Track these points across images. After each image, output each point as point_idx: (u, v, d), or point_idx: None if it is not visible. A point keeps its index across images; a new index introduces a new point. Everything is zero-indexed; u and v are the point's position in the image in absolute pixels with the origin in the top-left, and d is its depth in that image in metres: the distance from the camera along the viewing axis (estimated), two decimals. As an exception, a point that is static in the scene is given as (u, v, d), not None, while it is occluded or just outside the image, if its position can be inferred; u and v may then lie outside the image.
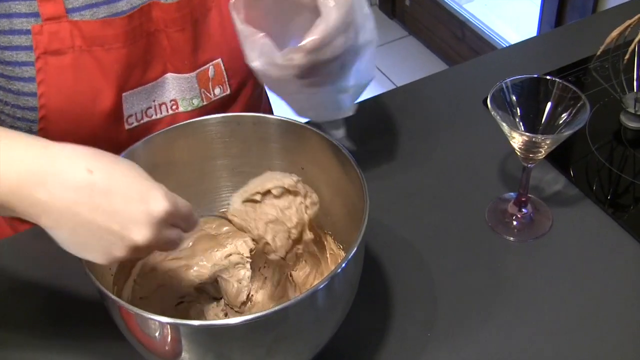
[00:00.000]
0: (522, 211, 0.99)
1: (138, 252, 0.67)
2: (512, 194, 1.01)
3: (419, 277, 0.93)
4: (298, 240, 0.80)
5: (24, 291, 0.95)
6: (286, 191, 0.81)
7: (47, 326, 0.90)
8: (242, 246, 0.91)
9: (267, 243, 0.79)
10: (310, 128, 0.85)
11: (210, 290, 0.88)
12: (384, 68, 2.83)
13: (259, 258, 0.89)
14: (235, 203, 0.82)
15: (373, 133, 1.07)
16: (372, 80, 0.90)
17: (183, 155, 0.87)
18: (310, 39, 0.77)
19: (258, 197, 0.81)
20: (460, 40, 2.82)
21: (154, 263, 0.88)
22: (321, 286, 0.68)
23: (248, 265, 0.89)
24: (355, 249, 0.70)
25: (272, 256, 0.80)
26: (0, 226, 1.12)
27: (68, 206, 0.64)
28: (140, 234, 0.65)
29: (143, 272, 0.87)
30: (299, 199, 0.81)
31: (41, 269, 0.96)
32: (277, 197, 0.80)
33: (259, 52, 0.81)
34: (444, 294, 0.91)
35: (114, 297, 0.68)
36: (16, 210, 0.65)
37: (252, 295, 0.87)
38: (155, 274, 0.87)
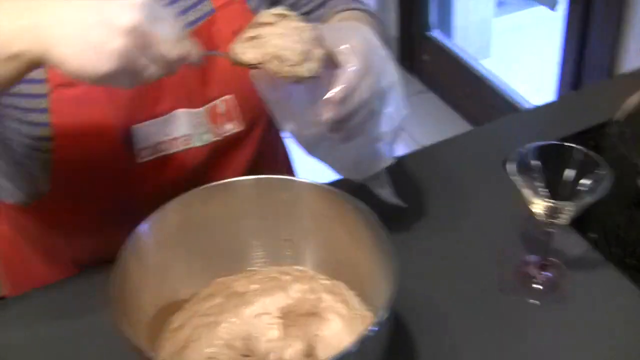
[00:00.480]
0: (545, 274, 1.00)
1: (132, 40, 0.70)
2: (534, 256, 1.03)
3: (445, 337, 0.94)
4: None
5: (55, 341, 0.96)
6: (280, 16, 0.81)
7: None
8: (270, 304, 0.93)
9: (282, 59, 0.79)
10: (337, 191, 0.87)
11: (239, 347, 0.89)
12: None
13: (287, 317, 0.90)
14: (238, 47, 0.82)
15: (394, 186, 1.09)
16: (404, 118, 0.91)
17: (215, 214, 0.90)
18: (335, 89, 0.79)
19: (254, 32, 0.81)
20: (477, 96, 2.86)
21: (183, 320, 0.90)
22: (353, 350, 0.70)
23: (278, 326, 0.90)
24: (384, 312, 0.72)
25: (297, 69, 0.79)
26: (38, 271, 1.14)
27: (52, 17, 0.70)
28: (126, 16, 0.69)
29: (172, 329, 0.88)
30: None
31: (74, 320, 0.98)
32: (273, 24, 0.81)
33: (290, 115, 0.84)
34: (469, 354, 0.92)
35: (148, 352, 0.69)
36: (27, 50, 0.70)
37: (280, 353, 0.89)
38: (184, 331, 0.89)
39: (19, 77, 0.75)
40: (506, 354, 0.93)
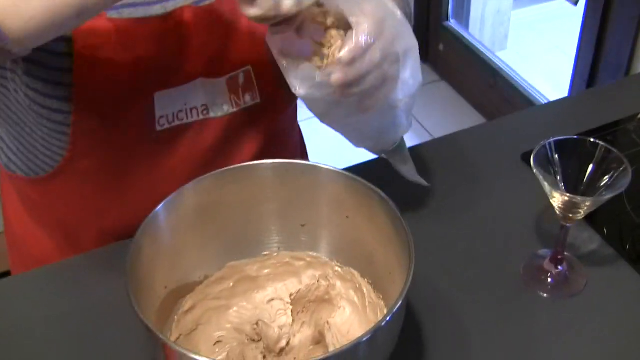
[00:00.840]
0: (558, 269, 1.00)
1: None
2: (547, 250, 1.02)
3: (455, 328, 0.94)
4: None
5: (67, 318, 0.96)
6: None
7: (86, 356, 0.92)
8: (282, 289, 0.93)
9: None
10: (357, 178, 0.87)
11: (248, 332, 0.89)
12: (414, 111, 2.86)
13: (298, 302, 0.90)
14: None
15: (411, 185, 1.09)
16: (420, 84, 0.90)
17: (231, 197, 0.89)
18: (344, 50, 0.79)
19: None
20: (491, 88, 2.84)
21: (194, 302, 0.90)
22: (365, 338, 0.69)
23: (289, 312, 0.90)
24: (400, 302, 0.72)
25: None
26: (47, 251, 1.14)
27: None
28: None
29: (183, 311, 0.88)
30: None
31: (87, 297, 0.99)
32: None
33: (301, 78, 0.83)
34: (478, 346, 0.92)
35: (158, 333, 0.69)
36: None
37: (290, 339, 0.88)
38: (195, 313, 0.89)
39: None
40: (516, 347, 0.92)
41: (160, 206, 0.83)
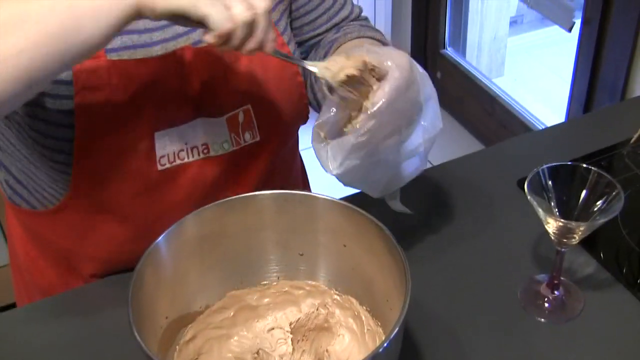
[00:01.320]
0: (554, 293, 1.01)
1: None
2: (544, 275, 1.03)
3: (454, 353, 0.95)
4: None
5: (71, 348, 0.98)
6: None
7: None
8: (282, 318, 0.94)
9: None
10: (354, 208, 0.88)
11: None
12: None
13: (298, 331, 0.91)
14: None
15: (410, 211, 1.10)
16: (439, 131, 0.95)
17: (231, 228, 0.91)
18: (381, 101, 0.83)
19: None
20: (489, 114, 2.86)
21: (195, 331, 0.91)
22: (364, 364, 0.71)
23: (289, 341, 0.91)
24: (397, 329, 0.73)
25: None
26: (47, 277, 1.16)
27: None
28: None
29: (185, 340, 0.89)
30: None
31: (90, 327, 1.00)
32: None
33: (332, 156, 0.87)
34: (476, 372, 0.93)
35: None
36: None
37: None
38: (196, 342, 0.90)
39: (119, 26, 0.80)
40: (516, 372, 0.93)
41: (161, 237, 0.85)
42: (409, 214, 1.06)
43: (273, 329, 0.92)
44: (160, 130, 0.99)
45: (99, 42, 0.80)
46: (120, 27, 0.80)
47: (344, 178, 0.89)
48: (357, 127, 0.85)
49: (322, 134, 0.90)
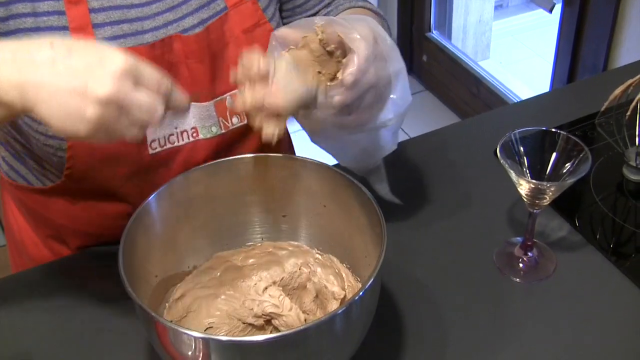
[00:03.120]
0: (528, 255, 1.05)
1: (109, 109, 0.72)
2: (518, 238, 1.08)
3: (430, 313, 0.99)
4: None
5: (63, 311, 1.02)
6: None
7: (83, 345, 0.97)
8: (266, 277, 0.98)
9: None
10: (333, 168, 0.92)
11: (240, 313, 0.94)
12: (400, 121, 2.91)
13: (282, 290, 0.95)
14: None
15: (390, 179, 1.14)
16: (409, 105, 0.94)
17: (217, 190, 0.95)
18: (348, 72, 0.83)
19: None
20: (474, 96, 2.90)
21: (184, 290, 0.95)
22: (340, 311, 0.75)
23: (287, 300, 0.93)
24: (372, 279, 0.77)
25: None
26: (40, 251, 1.19)
27: (36, 79, 0.72)
28: (101, 87, 0.71)
29: (174, 298, 0.93)
30: None
31: (80, 291, 1.04)
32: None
33: None
34: (452, 329, 0.97)
35: (151, 312, 0.74)
36: (17, 102, 0.72)
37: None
38: (185, 300, 0.94)
39: (11, 118, 0.78)
40: (489, 327, 0.97)
41: (151, 197, 0.89)
42: (398, 204, 1.09)
43: (267, 288, 0.94)
44: None
45: None
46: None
47: (302, 122, 0.90)
48: (326, 93, 0.86)
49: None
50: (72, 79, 0.71)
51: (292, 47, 0.89)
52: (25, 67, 0.72)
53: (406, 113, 0.95)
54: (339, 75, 0.85)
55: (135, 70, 0.74)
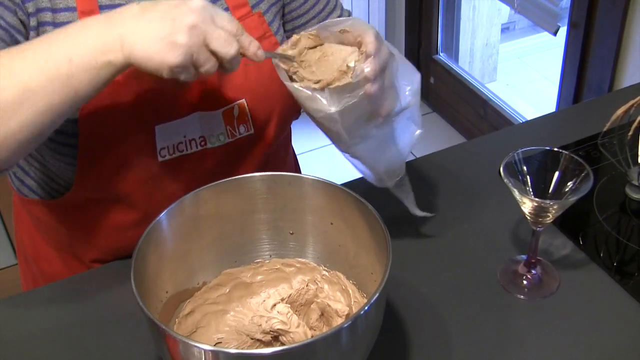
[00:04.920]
0: (532, 272, 1.07)
1: (196, 34, 0.84)
2: (523, 256, 1.09)
3: (435, 329, 1.01)
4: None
5: (74, 329, 1.03)
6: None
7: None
8: (274, 294, 1.00)
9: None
10: (339, 187, 0.94)
11: (248, 329, 0.95)
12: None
13: (290, 306, 0.97)
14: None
15: (394, 197, 1.16)
16: (419, 79, 1.01)
17: (227, 208, 0.97)
18: (368, 41, 0.91)
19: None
20: (481, 118, 2.92)
21: (193, 306, 0.97)
22: (345, 325, 0.77)
23: (294, 317, 0.95)
24: (377, 294, 0.79)
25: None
26: (53, 267, 1.22)
27: (131, 27, 0.84)
28: (187, 17, 0.84)
29: (184, 314, 0.95)
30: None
31: (90, 308, 1.06)
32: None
33: (329, 97, 0.92)
34: (457, 345, 0.98)
35: (162, 325, 0.76)
36: (108, 54, 0.84)
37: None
38: (195, 316, 0.96)
39: (111, 80, 0.88)
40: (493, 343, 0.99)
41: (162, 214, 0.91)
42: (431, 216, 1.13)
43: (275, 305, 0.96)
44: (160, 123, 1.04)
45: (93, 96, 0.89)
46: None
47: (343, 117, 0.93)
48: (355, 70, 0.90)
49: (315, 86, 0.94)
50: (162, 16, 0.84)
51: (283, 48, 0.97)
52: (119, 22, 0.85)
53: (420, 89, 1.02)
54: (360, 52, 0.92)
55: (211, 8, 0.86)
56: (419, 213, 1.11)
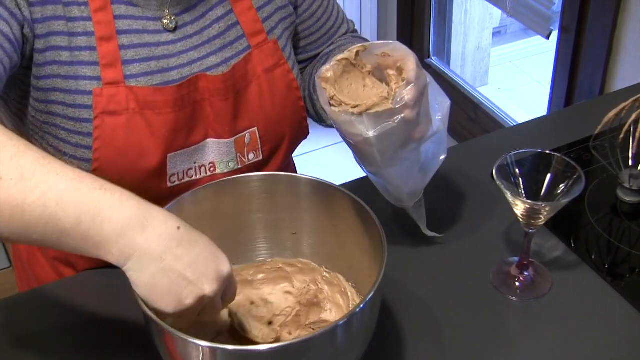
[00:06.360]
0: (524, 274, 1.08)
1: (201, 303, 0.78)
2: (515, 258, 1.10)
3: (429, 329, 1.02)
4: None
5: (68, 329, 1.04)
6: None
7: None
8: (276, 290, 1.01)
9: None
10: (337, 188, 0.96)
11: (241, 330, 0.96)
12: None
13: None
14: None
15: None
16: (450, 106, 1.04)
17: (225, 208, 0.98)
18: (409, 69, 0.92)
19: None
20: (473, 122, 2.93)
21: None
22: (341, 322, 0.78)
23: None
24: (372, 293, 0.80)
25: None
26: (47, 273, 1.22)
27: (158, 253, 0.76)
28: (210, 286, 0.78)
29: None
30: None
31: (87, 309, 1.06)
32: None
33: (366, 123, 0.93)
34: (450, 345, 1.00)
35: (159, 322, 0.76)
36: (111, 250, 0.75)
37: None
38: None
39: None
40: (486, 343, 1.00)
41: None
42: (440, 236, 1.15)
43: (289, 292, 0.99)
44: (172, 152, 1.05)
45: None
46: None
47: (380, 142, 0.94)
48: (396, 96, 0.92)
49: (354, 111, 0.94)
50: (188, 268, 0.77)
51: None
52: (150, 234, 0.76)
53: (448, 116, 1.04)
54: (400, 79, 0.94)
55: (229, 279, 0.81)
56: (429, 233, 1.14)
